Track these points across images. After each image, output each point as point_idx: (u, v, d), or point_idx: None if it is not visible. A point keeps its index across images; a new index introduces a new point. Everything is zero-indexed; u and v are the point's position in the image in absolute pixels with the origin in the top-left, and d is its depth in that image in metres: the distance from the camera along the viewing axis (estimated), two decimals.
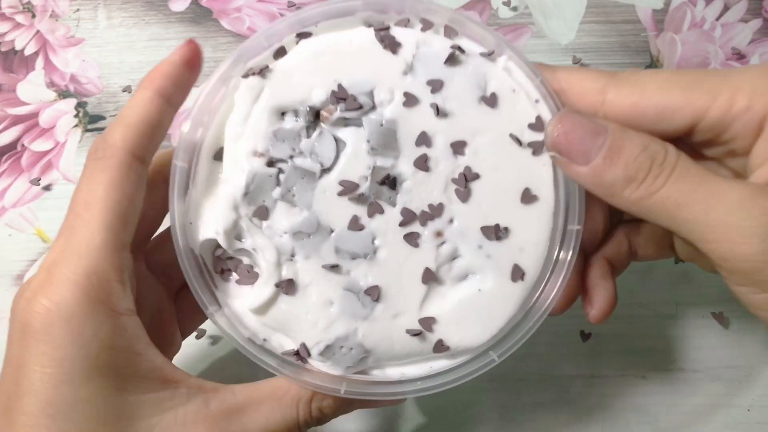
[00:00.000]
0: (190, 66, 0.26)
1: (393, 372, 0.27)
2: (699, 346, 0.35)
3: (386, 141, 0.26)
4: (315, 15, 0.27)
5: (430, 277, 0.26)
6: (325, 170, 0.26)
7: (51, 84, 0.44)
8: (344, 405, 0.27)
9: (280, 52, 0.27)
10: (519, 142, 0.27)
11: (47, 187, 0.41)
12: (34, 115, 0.43)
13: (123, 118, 0.26)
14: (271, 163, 0.26)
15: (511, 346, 0.26)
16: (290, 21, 0.27)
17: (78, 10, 0.48)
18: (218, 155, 0.27)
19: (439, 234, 0.26)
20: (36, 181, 0.41)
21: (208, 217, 0.26)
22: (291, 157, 0.26)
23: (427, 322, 0.26)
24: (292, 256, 0.26)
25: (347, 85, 0.26)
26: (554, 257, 0.27)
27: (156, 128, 0.26)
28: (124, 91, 0.44)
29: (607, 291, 0.28)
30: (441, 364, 0.27)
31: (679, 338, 0.35)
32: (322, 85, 0.26)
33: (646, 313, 0.36)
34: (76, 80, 0.45)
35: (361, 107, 0.26)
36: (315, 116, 0.27)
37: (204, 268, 0.27)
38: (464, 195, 0.27)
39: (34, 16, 0.48)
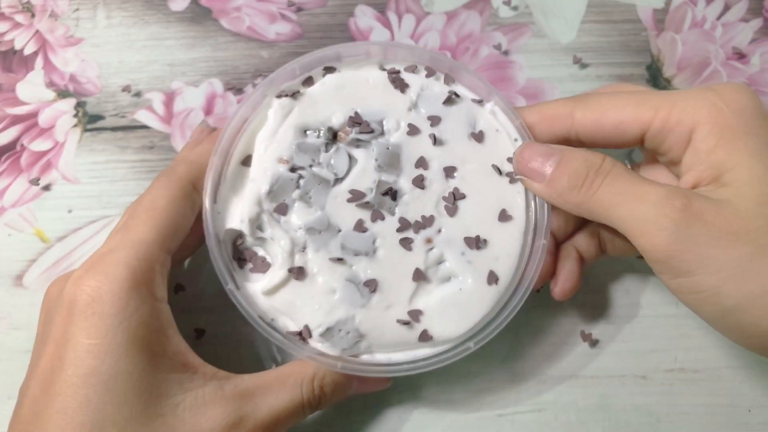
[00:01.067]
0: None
1: (382, 357, 0.30)
2: (699, 346, 0.35)
3: (391, 161, 0.31)
4: (339, 53, 0.33)
5: (419, 276, 0.30)
6: (338, 180, 0.31)
7: (50, 83, 0.44)
8: (342, 384, 0.31)
9: (308, 81, 0.33)
10: (499, 171, 0.32)
11: (46, 187, 0.41)
12: (34, 115, 0.43)
13: (190, 158, 0.32)
14: (293, 170, 0.31)
15: (486, 336, 0.30)
16: (319, 56, 0.33)
17: (77, 9, 0.48)
18: (245, 161, 0.32)
19: (429, 241, 0.31)
20: (35, 181, 0.41)
21: (234, 210, 0.31)
22: (310, 166, 0.31)
23: (415, 314, 0.30)
24: (304, 248, 0.30)
25: (362, 113, 0.32)
26: (524, 266, 0.31)
27: (209, 172, 0.31)
28: (123, 90, 0.44)
29: (571, 273, 0.32)
30: (424, 352, 0.30)
31: (679, 338, 0.35)
32: (342, 111, 0.32)
33: (647, 313, 0.36)
34: (75, 80, 0.45)
35: (372, 131, 0.31)
36: (333, 136, 0.32)
37: (225, 254, 0.31)
38: (452, 210, 0.31)
39: (33, 15, 0.47)
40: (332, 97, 0.32)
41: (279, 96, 0.32)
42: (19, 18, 0.47)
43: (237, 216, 0.31)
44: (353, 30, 0.46)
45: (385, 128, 0.32)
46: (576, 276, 0.32)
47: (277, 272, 0.30)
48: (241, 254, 0.31)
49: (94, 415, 0.25)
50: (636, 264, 0.37)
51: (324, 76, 0.33)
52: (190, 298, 0.36)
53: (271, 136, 0.31)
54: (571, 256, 0.33)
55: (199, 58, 0.45)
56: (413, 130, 0.32)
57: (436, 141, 0.32)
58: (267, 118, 0.32)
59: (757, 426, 0.33)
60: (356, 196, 0.31)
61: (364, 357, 0.30)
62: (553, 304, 0.36)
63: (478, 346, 0.30)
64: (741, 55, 0.44)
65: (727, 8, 0.46)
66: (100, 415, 0.25)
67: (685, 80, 0.43)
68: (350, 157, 0.31)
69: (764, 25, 0.45)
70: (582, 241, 0.33)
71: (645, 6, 0.46)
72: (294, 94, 0.32)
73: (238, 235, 0.31)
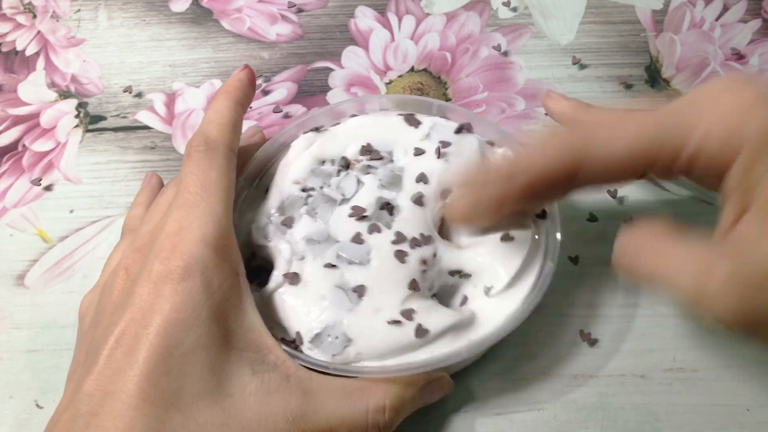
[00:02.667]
0: (252, 83, 0.34)
1: (373, 365, 0.30)
2: (698, 345, 0.35)
3: (394, 180, 0.33)
4: (349, 107, 0.36)
5: (414, 286, 0.30)
6: (345, 200, 0.32)
7: (52, 84, 0.45)
8: (412, 403, 0.30)
9: (335, 124, 0.35)
10: None
11: (48, 188, 0.41)
12: (35, 116, 0.43)
13: (214, 120, 0.32)
14: (304, 190, 0.33)
15: (483, 343, 0.30)
16: (349, 106, 0.36)
17: (79, 10, 0.48)
18: (268, 190, 0.34)
19: (424, 262, 0.31)
20: (37, 182, 0.41)
21: (248, 224, 0.33)
22: (321, 187, 0.33)
23: (407, 313, 0.30)
24: (303, 257, 0.31)
25: (375, 145, 0.34)
26: (528, 287, 0.31)
27: (239, 127, 0.33)
28: (125, 91, 0.44)
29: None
30: (416, 357, 0.29)
31: (678, 338, 0.35)
32: (356, 144, 0.34)
33: (645, 312, 0.36)
34: (76, 80, 0.45)
35: (382, 158, 0.33)
36: (346, 165, 0.34)
37: None
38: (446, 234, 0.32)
39: (35, 16, 0.48)
40: (351, 134, 0.35)
41: (306, 132, 0.35)
42: (21, 19, 0.48)
43: (248, 225, 0.33)
44: (353, 31, 0.46)
45: (394, 157, 0.34)
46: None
47: (274, 277, 0.31)
48: (252, 272, 0.32)
49: (174, 384, 0.25)
50: None
51: (349, 118, 0.36)
52: None
53: (291, 164, 0.34)
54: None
55: (200, 58, 0.45)
56: (419, 152, 0.33)
57: (440, 154, 0.33)
58: (291, 148, 0.34)
59: (755, 425, 0.33)
60: (357, 212, 0.32)
61: (355, 365, 0.30)
62: (551, 304, 0.36)
63: (471, 354, 0.30)
64: (740, 56, 0.44)
65: (725, 9, 0.46)
66: (179, 385, 0.25)
67: (683, 81, 0.43)
68: (358, 181, 0.33)
69: (763, 25, 0.45)
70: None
71: (644, 7, 0.46)
72: (318, 128, 0.35)
73: (251, 253, 0.32)
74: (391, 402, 0.29)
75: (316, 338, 0.29)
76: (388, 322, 0.29)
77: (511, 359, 0.35)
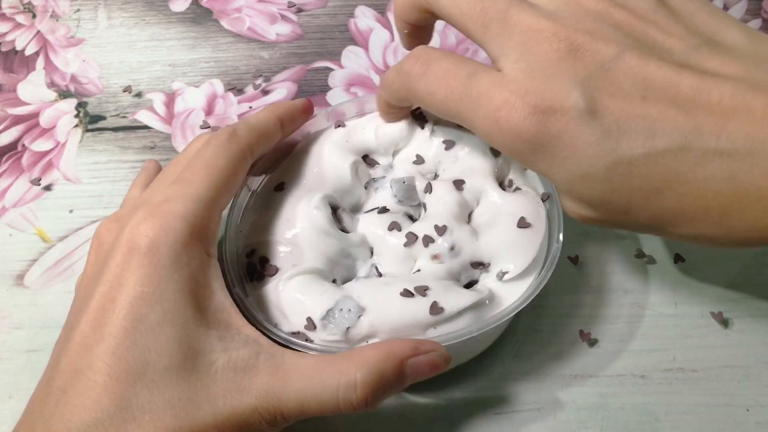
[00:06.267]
0: (305, 112, 0.35)
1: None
2: (698, 345, 0.35)
3: (409, 194, 0.33)
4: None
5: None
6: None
7: (51, 84, 0.45)
8: (395, 385, 0.27)
9: (338, 126, 0.36)
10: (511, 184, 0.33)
11: (48, 187, 0.41)
12: (35, 115, 0.43)
13: (249, 122, 0.32)
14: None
15: (490, 322, 0.29)
16: (349, 106, 0.36)
17: (78, 10, 0.48)
18: (278, 187, 0.34)
19: (436, 256, 0.31)
20: (36, 181, 0.41)
21: (259, 229, 0.32)
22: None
23: (421, 289, 0.29)
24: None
25: (379, 139, 0.35)
26: (539, 272, 0.31)
27: (269, 138, 0.33)
28: (124, 91, 0.44)
29: None
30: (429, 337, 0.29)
31: (678, 338, 0.35)
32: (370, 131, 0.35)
33: (645, 312, 0.36)
34: (76, 80, 0.45)
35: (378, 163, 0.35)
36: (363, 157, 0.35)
37: (239, 264, 0.32)
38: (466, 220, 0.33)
39: (34, 16, 0.48)
40: (362, 125, 0.35)
41: (336, 126, 0.35)
42: (21, 19, 0.48)
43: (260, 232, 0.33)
44: (353, 31, 0.46)
45: (402, 155, 0.34)
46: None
47: (287, 269, 0.31)
48: (254, 267, 0.32)
49: (140, 359, 0.26)
50: (634, 263, 0.37)
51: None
52: None
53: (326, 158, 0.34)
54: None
55: (199, 58, 0.45)
56: (426, 148, 0.34)
57: (448, 147, 0.33)
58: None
59: (754, 425, 0.33)
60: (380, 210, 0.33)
61: (372, 341, 0.29)
62: (552, 304, 0.36)
63: (480, 332, 0.29)
64: None
65: (725, 9, 0.46)
66: (144, 359, 0.25)
67: None
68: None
69: (763, 25, 0.45)
70: None
71: None
72: (325, 130, 0.35)
73: (252, 250, 0.32)
74: (363, 377, 0.26)
75: (329, 314, 0.29)
76: (401, 294, 0.29)
77: (511, 359, 0.35)
